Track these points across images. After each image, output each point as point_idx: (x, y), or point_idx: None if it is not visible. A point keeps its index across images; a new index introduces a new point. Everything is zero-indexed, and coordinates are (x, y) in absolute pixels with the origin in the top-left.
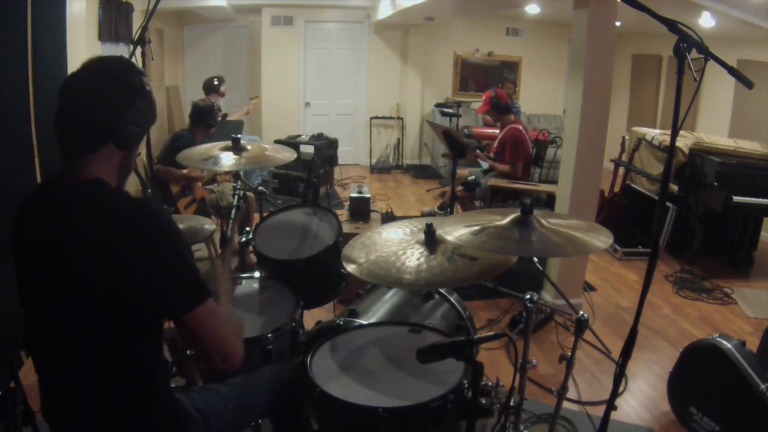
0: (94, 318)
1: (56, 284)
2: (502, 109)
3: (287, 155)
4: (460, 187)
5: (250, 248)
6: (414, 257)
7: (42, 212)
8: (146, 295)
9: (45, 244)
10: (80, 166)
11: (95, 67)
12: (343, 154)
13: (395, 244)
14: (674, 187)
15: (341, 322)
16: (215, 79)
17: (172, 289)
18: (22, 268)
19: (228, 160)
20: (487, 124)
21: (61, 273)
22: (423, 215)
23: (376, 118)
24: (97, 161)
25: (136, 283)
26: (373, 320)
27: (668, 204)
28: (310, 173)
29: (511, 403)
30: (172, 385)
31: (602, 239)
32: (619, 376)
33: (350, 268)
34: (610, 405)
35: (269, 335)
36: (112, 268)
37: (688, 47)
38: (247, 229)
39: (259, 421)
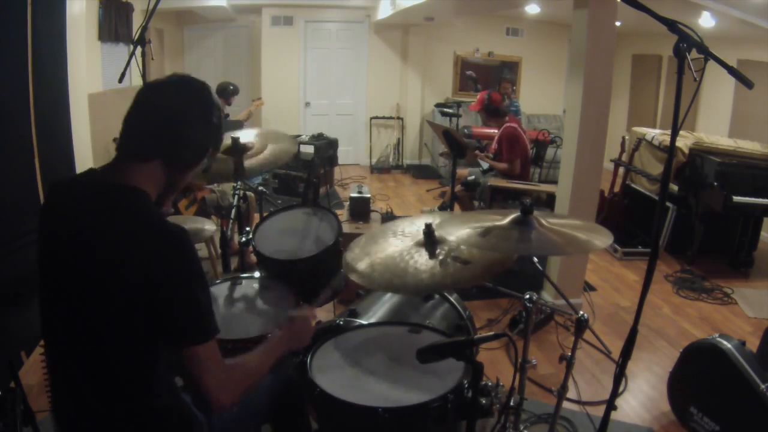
0: (98, 315)
1: (69, 278)
2: (492, 112)
3: (287, 147)
4: (460, 187)
5: (250, 248)
6: (408, 260)
7: (73, 205)
8: (150, 317)
9: (66, 237)
10: (128, 167)
11: (176, 82)
12: (343, 154)
13: (392, 246)
14: (674, 187)
15: (341, 322)
16: (231, 86)
17: (178, 320)
18: (43, 252)
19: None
20: (485, 124)
21: (76, 268)
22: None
23: (376, 118)
24: (143, 172)
25: (147, 300)
26: (373, 320)
27: (668, 204)
28: (310, 173)
29: (511, 403)
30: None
31: (602, 239)
32: (619, 376)
33: (352, 276)
34: (610, 405)
35: (269, 335)
36: (126, 281)
37: (688, 47)
38: (247, 229)
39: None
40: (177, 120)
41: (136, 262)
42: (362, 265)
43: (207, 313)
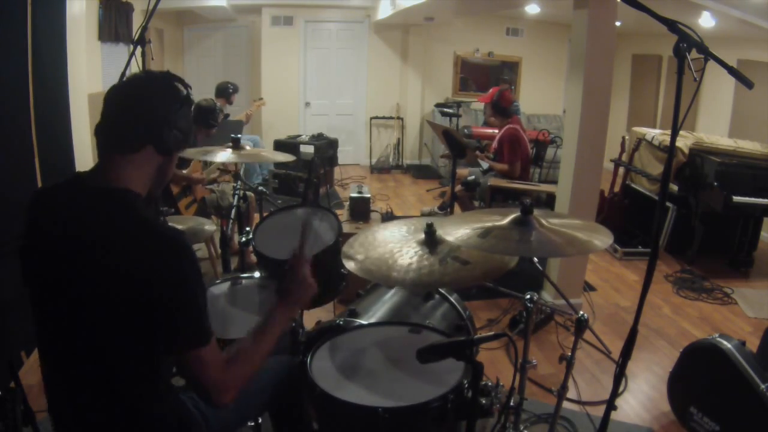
0: (97, 322)
1: (63, 285)
2: (499, 110)
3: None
4: (460, 187)
5: (250, 248)
6: (408, 256)
7: (62, 212)
8: (150, 323)
9: (58, 244)
10: (115, 166)
11: (143, 75)
12: (343, 154)
13: (393, 242)
14: (674, 187)
15: (341, 322)
16: (230, 86)
17: (180, 323)
18: (29, 259)
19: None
20: (486, 124)
21: (70, 274)
22: (423, 215)
23: (376, 118)
24: (134, 163)
25: (147, 305)
26: (373, 320)
27: (668, 204)
28: (310, 173)
29: (511, 403)
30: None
31: (602, 239)
32: (619, 376)
33: (348, 265)
34: (610, 405)
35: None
36: (125, 286)
37: (688, 47)
38: (247, 229)
39: (259, 420)
40: (156, 103)
41: (135, 267)
42: (359, 258)
43: (206, 316)
